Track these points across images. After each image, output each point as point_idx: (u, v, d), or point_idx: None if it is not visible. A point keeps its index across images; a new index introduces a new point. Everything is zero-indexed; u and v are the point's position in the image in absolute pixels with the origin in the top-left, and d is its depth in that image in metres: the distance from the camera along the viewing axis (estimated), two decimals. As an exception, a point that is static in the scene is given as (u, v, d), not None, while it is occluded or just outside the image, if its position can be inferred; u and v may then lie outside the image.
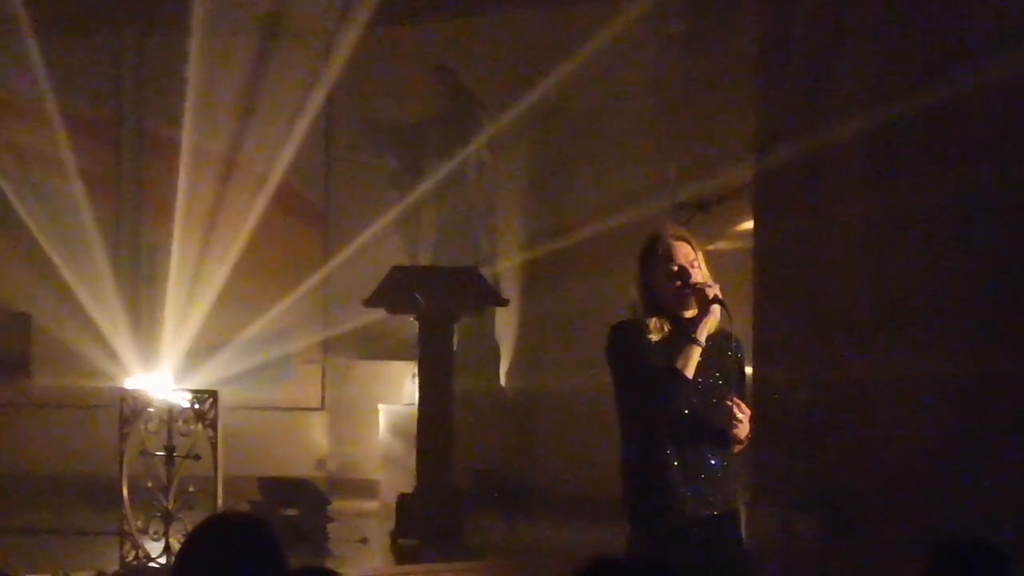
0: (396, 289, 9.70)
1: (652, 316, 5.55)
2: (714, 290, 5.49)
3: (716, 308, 5.50)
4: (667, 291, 5.55)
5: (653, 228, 5.75)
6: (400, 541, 9.29)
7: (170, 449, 8.19)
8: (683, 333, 5.50)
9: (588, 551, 3.22)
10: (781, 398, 9.49)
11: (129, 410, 8.36)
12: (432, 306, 9.58)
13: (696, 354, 5.47)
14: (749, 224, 10.35)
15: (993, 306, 9.09)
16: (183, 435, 8.19)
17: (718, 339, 5.59)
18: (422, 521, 9.24)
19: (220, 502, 7.93)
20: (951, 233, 9.30)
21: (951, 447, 9.09)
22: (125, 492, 8.33)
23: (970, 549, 3.37)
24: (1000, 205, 9.08)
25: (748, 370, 8.78)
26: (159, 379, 9.70)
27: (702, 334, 5.49)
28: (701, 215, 10.43)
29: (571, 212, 11.73)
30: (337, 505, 10.02)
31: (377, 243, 12.12)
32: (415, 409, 9.83)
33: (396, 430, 11.38)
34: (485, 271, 11.22)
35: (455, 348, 10.15)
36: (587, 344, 11.87)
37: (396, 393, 12.05)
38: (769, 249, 10.05)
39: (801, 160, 9.72)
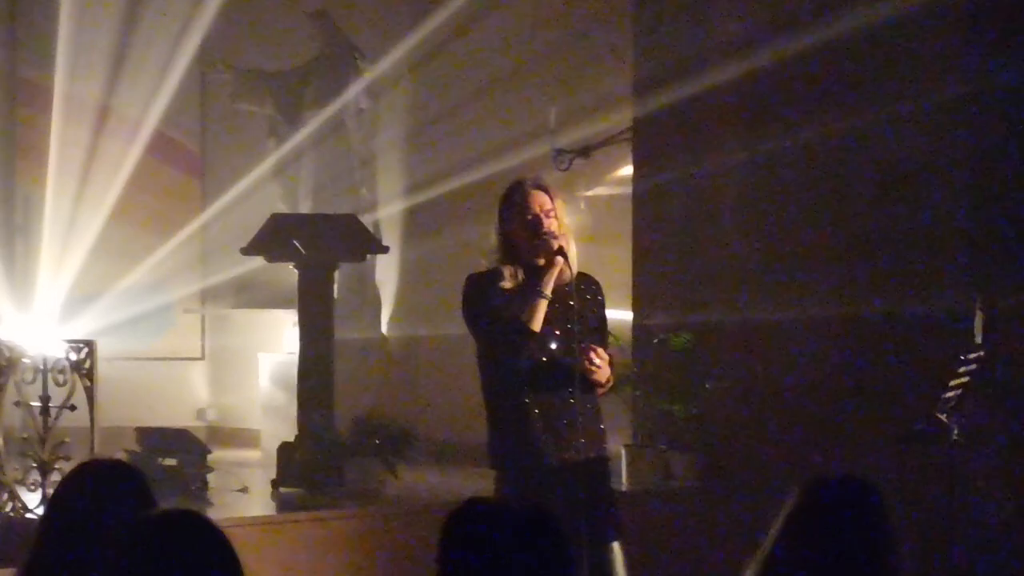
0: (275, 237, 9.63)
1: (508, 264, 5.60)
2: (559, 241, 5.55)
3: (561, 260, 5.56)
4: (522, 239, 5.59)
5: (517, 176, 5.80)
6: (281, 489, 9.26)
7: (45, 399, 8.11)
8: (534, 283, 5.57)
9: (467, 496, 3.23)
10: (660, 342, 9.57)
11: (4, 360, 8.25)
12: (311, 254, 9.52)
13: (542, 306, 5.54)
14: (629, 169, 10.39)
15: (868, 249, 9.19)
16: (60, 385, 8.10)
17: (579, 285, 5.65)
18: (303, 469, 9.21)
19: (96, 452, 7.85)
20: (827, 178, 9.39)
21: (825, 390, 9.21)
22: (1, 442, 8.24)
23: (839, 484, 3.41)
24: (876, 149, 9.18)
25: (625, 315, 8.86)
26: (35, 329, 9.55)
27: (548, 286, 5.56)
28: (581, 160, 10.50)
29: (451, 159, 11.70)
30: (218, 454, 9.97)
31: (255, 191, 12.02)
32: (295, 357, 9.79)
33: (276, 379, 11.31)
34: (365, 218, 11.17)
35: (335, 296, 10.11)
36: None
37: (276, 341, 11.98)
38: (648, 194, 10.09)
39: (679, 105, 9.76)
